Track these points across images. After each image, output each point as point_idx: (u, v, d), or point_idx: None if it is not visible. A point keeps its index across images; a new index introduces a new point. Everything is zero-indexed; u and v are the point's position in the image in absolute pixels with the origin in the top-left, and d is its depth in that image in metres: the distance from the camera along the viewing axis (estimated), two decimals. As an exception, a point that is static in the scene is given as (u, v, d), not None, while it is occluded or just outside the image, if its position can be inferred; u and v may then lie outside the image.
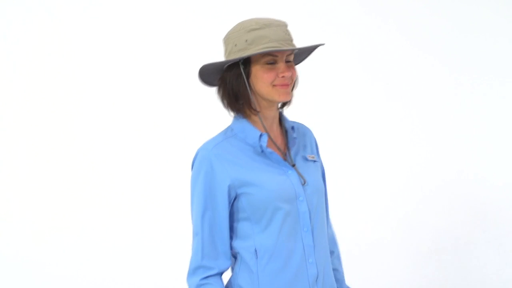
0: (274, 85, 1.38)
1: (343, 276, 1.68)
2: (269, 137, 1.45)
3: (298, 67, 1.53)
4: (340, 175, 3.05)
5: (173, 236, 2.77)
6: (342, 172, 3.04)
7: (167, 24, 2.96)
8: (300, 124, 1.61)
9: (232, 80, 1.40)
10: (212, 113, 2.00)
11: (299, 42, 3.09)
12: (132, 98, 2.93)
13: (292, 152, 1.48)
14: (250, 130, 1.43)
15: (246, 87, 1.39)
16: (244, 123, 1.44)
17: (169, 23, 2.97)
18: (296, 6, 3.07)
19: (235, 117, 1.47)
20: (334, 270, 1.65)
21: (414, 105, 3.14)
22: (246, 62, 1.38)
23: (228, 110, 1.46)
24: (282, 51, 1.38)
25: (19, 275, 2.82)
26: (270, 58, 1.37)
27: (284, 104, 1.52)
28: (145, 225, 2.88)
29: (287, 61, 1.41)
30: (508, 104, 3.15)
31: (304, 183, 1.42)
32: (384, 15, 3.15)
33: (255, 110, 1.41)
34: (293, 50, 1.39)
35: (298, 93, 3.07)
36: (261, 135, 1.41)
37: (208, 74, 1.43)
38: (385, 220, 3.06)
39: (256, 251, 1.40)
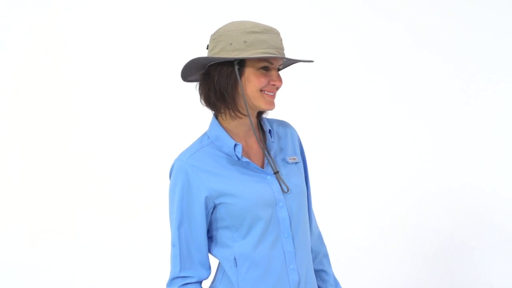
0: (262, 91, 1.37)
1: (331, 277, 1.66)
2: (245, 145, 1.45)
3: (305, 67, 1.50)
4: (344, 177, 3.03)
5: (168, 240, 2.76)
6: (346, 175, 3.03)
7: (161, 24, 2.95)
8: (281, 122, 1.58)
9: (221, 78, 1.37)
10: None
11: (301, 42, 3.06)
12: (126, 101, 2.93)
13: (272, 157, 1.46)
14: (225, 139, 1.41)
15: (236, 87, 1.37)
16: (219, 131, 1.42)
17: (162, 23, 2.95)
18: (301, 4, 3.03)
19: (211, 123, 1.46)
20: (321, 271, 1.63)
21: (420, 107, 3.11)
22: (240, 63, 1.36)
23: (207, 107, 1.44)
24: (279, 59, 1.38)
25: (14, 279, 2.84)
26: (267, 64, 1.37)
27: (261, 113, 1.50)
28: (141, 228, 2.89)
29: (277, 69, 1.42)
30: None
31: (288, 190, 1.41)
32: (389, 14, 3.12)
33: (240, 113, 1.40)
34: (299, 61, 1.39)
35: (301, 93, 3.04)
36: (235, 145, 1.40)
37: (189, 68, 1.40)
38: (389, 224, 3.04)
39: (235, 260, 1.40)
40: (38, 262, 2.83)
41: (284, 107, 1.59)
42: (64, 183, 2.86)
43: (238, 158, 1.40)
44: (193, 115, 2.87)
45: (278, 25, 1.70)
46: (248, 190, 1.37)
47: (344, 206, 3.02)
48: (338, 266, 2.20)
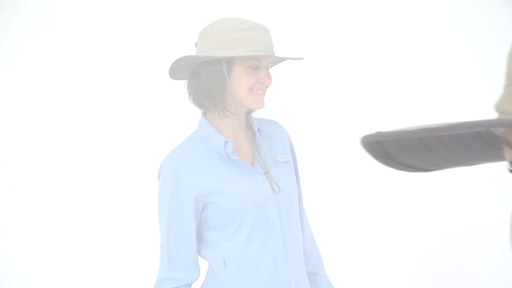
0: (251, 89, 1.36)
1: (325, 280, 1.61)
2: (235, 143, 1.43)
3: (299, 64, 1.48)
4: (346, 180, 3.00)
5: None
6: (345, 176, 3.00)
7: (151, 21, 2.94)
8: (270, 121, 1.55)
9: (209, 77, 1.35)
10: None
11: (301, 41, 3.04)
12: (124, 103, 2.92)
13: (262, 156, 1.44)
14: (215, 137, 1.39)
15: (224, 86, 1.35)
16: (209, 129, 1.41)
17: (152, 19, 2.94)
18: (300, 4, 3.02)
19: (200, 121, 1.44)
20: (315, 274, 1.59)
21: (421, 109, 3.06)
22: (229, 61, 1.34)
23: (195, 106, 1.43)
24: (269, 58, 1.36)
25: (11, 281, 2.83)
26: (255, 62, 1.35)
27: (250, 111, 1.48)
28: (138, 230, 2.88)
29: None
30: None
31: (279, 190, 1.39)
32: (390, 13, 3.09)
33: (229, 111, 1.38)
34: (288, 59, 1.39)
35: (300, 94, 3.01)
36: (226, 142, 1.38)
37: (177, 66, 1.39)
38: (392, 227, 3.01)
39: (225, 261, 1.38)
40: (32, 264, 2.83)
41: (277, 106, 1.56)
42: (60, 185, 2.86)
43: (229, 156, 1.38)
44: (191, 115, 2.89)
45: (273, 20, 1.68)
46: (238, 188, 1.36)
47: (343, 208, 2.99)
48: (335, 270, 2.16)
